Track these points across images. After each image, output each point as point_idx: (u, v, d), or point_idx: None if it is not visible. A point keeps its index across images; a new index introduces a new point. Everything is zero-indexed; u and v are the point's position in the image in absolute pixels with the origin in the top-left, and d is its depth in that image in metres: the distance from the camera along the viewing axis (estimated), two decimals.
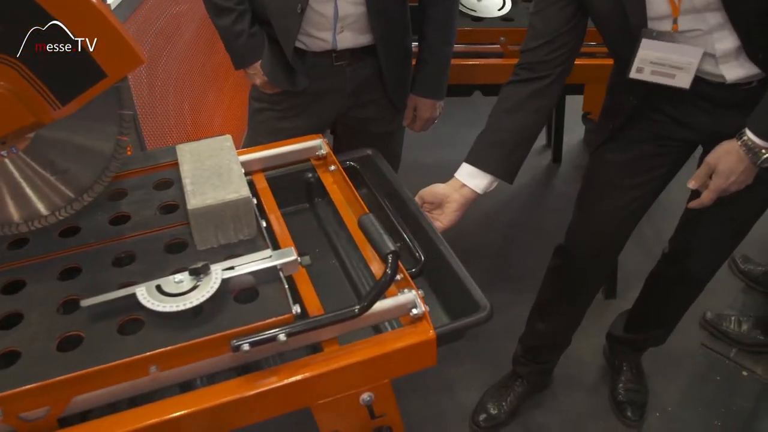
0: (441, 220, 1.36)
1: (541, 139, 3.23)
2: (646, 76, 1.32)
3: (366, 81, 1.66)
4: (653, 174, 1.54)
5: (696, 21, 1.23)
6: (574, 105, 2.54)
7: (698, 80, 1.33)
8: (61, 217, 1.03)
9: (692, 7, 1.21)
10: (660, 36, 1.27)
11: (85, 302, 0.86)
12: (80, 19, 0.87)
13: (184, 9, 2.22)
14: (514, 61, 1.95)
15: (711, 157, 1.30)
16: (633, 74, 1.32)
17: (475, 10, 2.03)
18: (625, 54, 1.33)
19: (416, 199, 1.35)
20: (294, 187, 1.33)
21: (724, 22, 1.22)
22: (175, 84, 2.22)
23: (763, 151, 1.25)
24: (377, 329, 1.04)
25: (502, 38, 1.94)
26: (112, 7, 1.69)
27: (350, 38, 1.58)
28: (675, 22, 1.25)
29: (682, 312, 1.88)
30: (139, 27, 1.88)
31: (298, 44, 1.57)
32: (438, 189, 1.38)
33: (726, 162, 1.27)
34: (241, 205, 0.99)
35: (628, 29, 1.29)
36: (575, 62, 1.94)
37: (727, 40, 1.24)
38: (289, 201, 1.32)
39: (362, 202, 1.17)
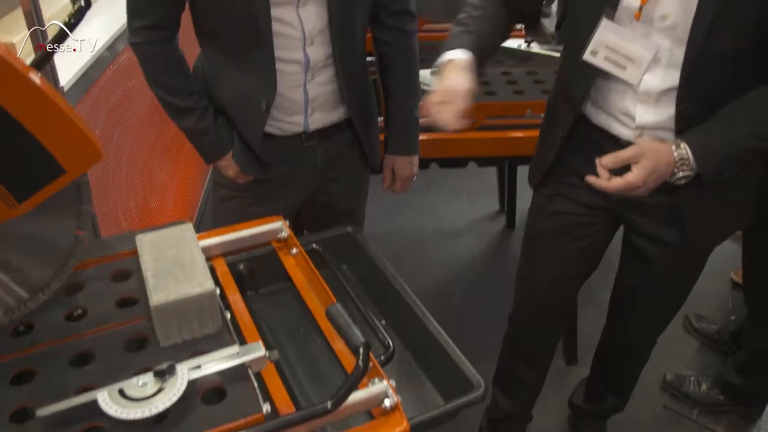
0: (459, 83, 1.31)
1: (495, 205, 3.29)
2: (599, 62, 1.32)
3: (336, 157, 1.66)
4: (583, 243, 1.59)
5: (652, 34, 1.26)
6: (525, 171, 2.60)
7: (607, 138, 1.39)
8: (14, 318, 0.98)
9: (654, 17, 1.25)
10: (622, 21, 1.29)
11: (42, 411, 0.82)
12: (37, 114, 0.85)
13: (137, 84, 2.21)
14: (469, 135, 2.02)
15: (645, 146, 1.29)
16: (587, 56, 1.33)
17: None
18: (583, 35, 1.34)
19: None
20: (272, 266, 1.30)
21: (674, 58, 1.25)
22: (128, 161, 2.19)
23: (684, 170, 1.26)
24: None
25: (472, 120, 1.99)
26: (65, 90, 1.67)
27: (321, 117, 1.59)
28: (639, 10, 1.25)
29: (633, 380, 1.91)
30: (91, 107, 1.86)
31: (268, 129, 1.55)
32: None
33: (655, 159, 1.26)
34: (206, 298, 0.96)
35: (597, 4, 1.31)
36: (529, 134, 2.01)
37: (663, 77, 1.28)
38: (269, 280, 1.31)
39: (326, 287, 1.15)
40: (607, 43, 1.29)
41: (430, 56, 1.43)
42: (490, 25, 1.44)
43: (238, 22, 1.42)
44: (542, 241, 1.64)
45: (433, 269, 2.83)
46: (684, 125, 1.29)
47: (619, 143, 1.39)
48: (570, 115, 1.46)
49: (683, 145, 1.25)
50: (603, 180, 1.30)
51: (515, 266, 2.87)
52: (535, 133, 1.97)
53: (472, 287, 2.79)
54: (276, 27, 1.42)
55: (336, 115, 1.61)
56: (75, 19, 1.02)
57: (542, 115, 1.98)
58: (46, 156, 0.87)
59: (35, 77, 0.83)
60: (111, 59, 2.00)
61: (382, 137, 1.74)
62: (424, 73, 1.99)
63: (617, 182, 1.27)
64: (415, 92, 1.70)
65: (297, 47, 1.47)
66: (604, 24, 1.29)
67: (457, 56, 1.35)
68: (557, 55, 2.32)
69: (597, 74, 1.35)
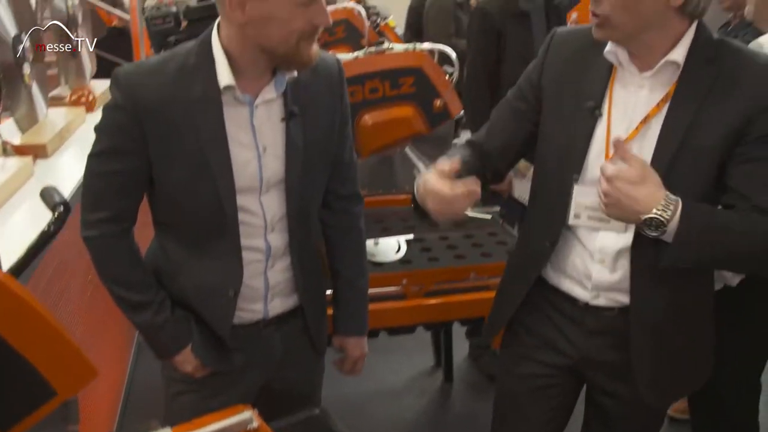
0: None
1: (430, 359, 3.29)
2: (584, 222, 1.41)
3: (292, 343, 1.64)
4: (553, 403, 1.61)
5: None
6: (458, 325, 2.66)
7: (564, 299, 1.48)
8: None
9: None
10: (590, 182, 1.38)
11: None
12: (28, 333, 0.82)
13: (71, 256, 2.14)
14: (417, 302, 2.08)
15: (651, 169, 1.29)
16: (572, 221, 1.41)
17: (374, 255, 2.14)
18: (560, 197, 1.42)
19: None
20: None
21: None
22: None
23: (663, 211, 1.25)
24: None
25: (404, 281, 2.05)
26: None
27: (280, 304, 1.58)
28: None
29: None
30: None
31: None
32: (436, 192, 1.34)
33: (648, 176, 1.26)
34: None
35: (566, 168, 1.41)
36: (474, 297, 2.08)
37: (617, 237, 1.38)
38: None
39: None
40: (586, 205, 1.40)
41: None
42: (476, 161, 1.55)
43: (203, 212, 1.43)
44: (513, 404, 1.65)
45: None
46: (638, 284, 1.38)
47: (576, 304, 1.48)
48: (531, 274, 1.53)
49: (678, 198, 1.28)
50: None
51: (458, 424, 2.85)
52: (481, 295, 2.09)
53: None
54: (240, 215, 1.44)
55: (291, 301, 1.60)
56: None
57: (485, 277, 2.08)
58: (37, 378, 0.83)
59: (28, 297, 0.81)
60: None
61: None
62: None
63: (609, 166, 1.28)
64: (364, 271, 1.73)
65: (259, 235, 1.48)
66: (577, 189, 1.41)
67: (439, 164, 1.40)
68: (489, 217, 2.49)
69: (559, 237, 1.45)
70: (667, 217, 1.25)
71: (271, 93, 1.41)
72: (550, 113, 1.49)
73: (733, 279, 1.87)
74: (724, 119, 1.30)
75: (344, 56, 1.84)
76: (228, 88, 1.36)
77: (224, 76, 1.36)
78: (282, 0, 1.27)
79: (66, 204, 1.12)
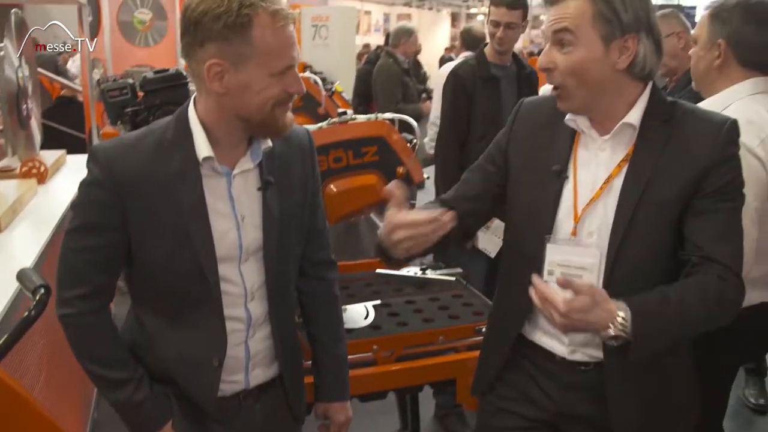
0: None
1: (396, 423, 3.26)
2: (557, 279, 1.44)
3: (273, 412, 1.62)
4: None
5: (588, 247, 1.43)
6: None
7: (542, 354, 1.52)
8: None
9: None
10: (561, 241, 1.46)
11: None
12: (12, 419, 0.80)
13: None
14: (388, 367, 2.08)
15: (598, 289, 1.33)
16: (546, 277, 1.45)
17: (343, 321, 2.14)
18: (533, 255, 1.46)
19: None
20: None
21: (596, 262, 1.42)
22: None
23: (619, 326, 1.29)
24: None
25: (374, 346, 2.05)
26: None
27: (260, 374, 1.57)
28: (575, 227, 1.46)
29: None
30: None
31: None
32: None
33: (596, 302, 1.28)
34: None
35: (537, 230, 1.47)
36: (444, 360, 2.10)
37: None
38: None
39: None
40: (558, 262, 1.46)
41: None
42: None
43: (185, 282, 1.43)
44: None
45: None
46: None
47: (553, 359, 1.53)
48: (512, 333, 1.58)
49: (629, 311, 1.31)
50: (537, 278, 1.33)
51: None
52: (451, 357, 2.11)
53: None
54: (221, 285, 1.45)
55: (271, 371, 1.60)
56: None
57: (454, 340, 2.11)
58: None
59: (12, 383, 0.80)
60: None
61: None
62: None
63: (548, 291, 1.29)
64: (342, 336, 1.75)
65: (240, 304, 1.49)
66: (549, 248, 1.47)
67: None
68: (452, 279, 2.53)
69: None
70: (624, 328, 1.29)
71: (247, 163, 1.46)
72: (518, 178, 1.57)
73: None
74: (681, 173, 1.40)
75: (309, 127, 1.89)
76: (206, 159, 1.39)
77: (202, 148, 1.39)
78: (258, 70, 1.33)
79: (47, 287, 1.11)
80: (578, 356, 1.51)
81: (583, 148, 1.49)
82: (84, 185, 1.42)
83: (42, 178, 3.12)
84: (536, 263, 1.46)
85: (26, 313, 1.08)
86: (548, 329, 1.52)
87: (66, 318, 1.42)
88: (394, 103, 5.43)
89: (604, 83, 1.41)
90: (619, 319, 1.30)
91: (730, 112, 1.85)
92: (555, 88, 1.45)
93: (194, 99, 1.44)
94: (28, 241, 2.36)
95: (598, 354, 1.49)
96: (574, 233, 1.47)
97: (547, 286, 1.32)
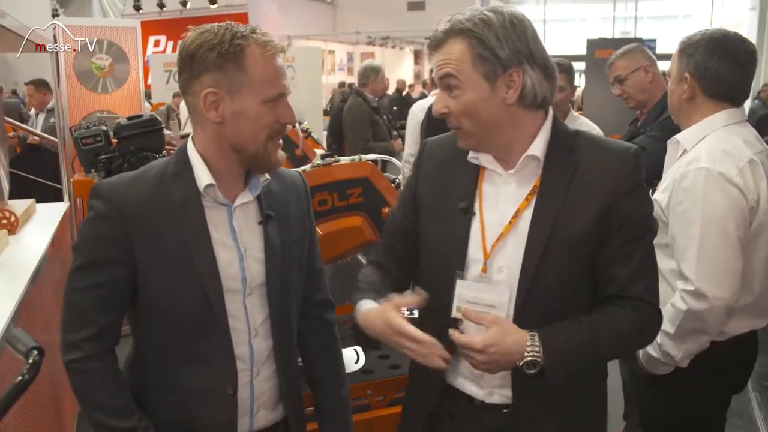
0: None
1: None
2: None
3: None
4: None
5: (498, 284, 1.41)
6: None
7: (461, 397, 1.48)
8: None
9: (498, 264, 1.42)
10: (472, 278, 1.43)
11: None
12: None
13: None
14: (382, 412, 2.04)
15: (502, 320, 1.36)
16: (455, 314, 1.42)
17: None
18: (445, 294, 1.43)
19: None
20: None
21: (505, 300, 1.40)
22: None
23: (532, 354, 1.32)
24: None
25: (368, 391, 2.02)
26: None
27: (265, 416, 1.53)
28: (485, 264, 1.42)
29: None
30: None
31: None
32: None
33: (505, 332, 1.33)
34: None
35: (448, 268, 1.44)
36: None
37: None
38: None
39: None
40: (468, 299, 1.43)
41: None
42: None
43: (191, 314, 1.42)
44: None
45: None
46: (519, 380, 1.40)
47: (473, 403, 1.48)
48: (434, 377, 1.50)
49: (535, 333, 1.34)
50: (454, 331, 1.36)
51: None
52: None
53: None
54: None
55: (276, 414, 1.57)
56: None
57: None
58: None
59: None
60: None
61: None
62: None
63: (462, 337, 1.34)
64: (344, 379, 1.72)
65: (244, 341, 1.47)
66: (459, 284, 1.44)
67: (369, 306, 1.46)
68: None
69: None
70: (537, 352, 1.32)
71: (247, 197, 1.48)
72: (428, 216, 1.54)
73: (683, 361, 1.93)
74: (589, 208, 1.38)
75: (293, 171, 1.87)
76: (208, 188, 1.42)
77: (203, 177, 1.42)
78: (251, 98, 1.37)
79: (41, 349, 1.06)
80: (496, 398, 1.47)
81: (489, 183, 1.47)
82: (87, 222, 1.42)
83: (13, 228, 3.02)
84: (447, 301, 1.44)
85: (19, 378, 1.03)
86: (466, 373, 1.48)
87: (73, 363, 1.38)
88: (364, 142, 5.46)
89: (499, 120, 1.39)
90: (529, 341, 1.33)
91: (705, 144, 1.90)
92: (454, 127, 1.44)
93: (192, 136, 1.48)
94: (2, 295, 2.28)
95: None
96: (484, 270, 1.44)
97: (460, 334, 1.35)
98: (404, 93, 12.07)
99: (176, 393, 1.46)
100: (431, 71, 6.21)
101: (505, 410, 1.46)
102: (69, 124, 4.05)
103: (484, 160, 1.45)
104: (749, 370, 2.07)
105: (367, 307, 1.46)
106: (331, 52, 17.23)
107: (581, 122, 3.49)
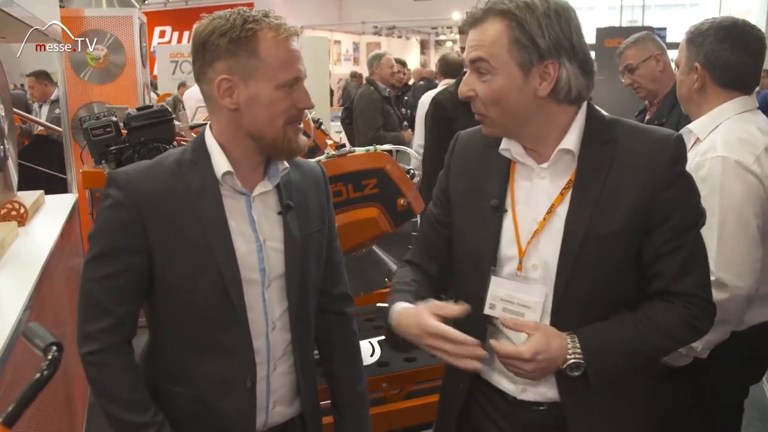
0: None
1: None
2: (498, 313, 1.39)
3: None
4: None
5: (535, 282, 1.37)
6: None
7: (496, 393, 1.45)
8: None
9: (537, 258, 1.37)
10: (507, 275, 1.39)
11: None
12: None
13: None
14: (398, 405, 2.03)
15: (542, 325, 1.34)
16: (487, 310, 1.40)
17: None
18: (477, 292, 1.41)
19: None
20: None
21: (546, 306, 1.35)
22: None
23: (576, 357, 1.31)
24: None
25: (384, 384, 2.00)
26: None
27: (281, 411, 1.51)
28: (521, 262, 1.38)
29: None
30: None
31: None
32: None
33: (548, 338, 1.30)
34: None
35: (480, 266, 1.41)
36: None
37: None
38: None
39: None
40: (501, 297, 1.40)
41: None
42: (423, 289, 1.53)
43: (209, 304, 1.40)
44: None
45: None
46: (563, 377, 1.36)
47: (506, 398, 1.45)
48: (467, 373, 1.45)
49: (575, 335, 1.33)
50: (497, 342, 1.34)
51: None
52: None
53: None
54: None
55: (292, 409, 1.55)
56: None
57: None
58: None
59: None
60: None
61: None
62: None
63: (509, 348, 1.32)
64: (362, 374, 1.70)
65: (261, 334, 1.45)
66: (493, 280, 1.40)
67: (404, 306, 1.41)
68: None
69: (486, 331, 1.43)
70: (580, 356, 1.30)
71: (266, 186, 1.46)
72: (460, 213, 1.50)
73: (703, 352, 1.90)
74: (627, 202, 1.32)
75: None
76: (227, 175, 1.40)
77: (221, 164, 1.41)
78: (265, 83, 1.35)
79: (60, 345, 1.04)
80: (529, 395, 1.43)
81: (521, 178, 1.42)
82: (103, 210, 1.41)
83: (23, 220, 3.01)
84: (480, 298, 1.41)
85: (38, 374, 1.00)
86: (499, 367, 1.42)
87: (90, 356, 1.38)
88: (374, 130, 5.43)
89: (527, 111, 1.34)
90: (570, 343, 1.31)
91: (719, 133, 1.87)
92: (478, 113, 1.39)
93: (209, 125, 1.46)
94: (14, 287, 2.27)
95: (549, 393, 1.41)
96: (520, 268, 1.39)
97: (504, 344, 1.33)
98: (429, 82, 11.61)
99: (194, 385, 1.44)
100: (438, 62, 6.11)
101: (536, 407, 1.43)
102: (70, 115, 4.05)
103: (516, 153, 1.40)
104: (767, 360, 2.05)
105: (401, 307, 1.42)
106: (337, 42, 17.17)
107: None
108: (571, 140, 1.36)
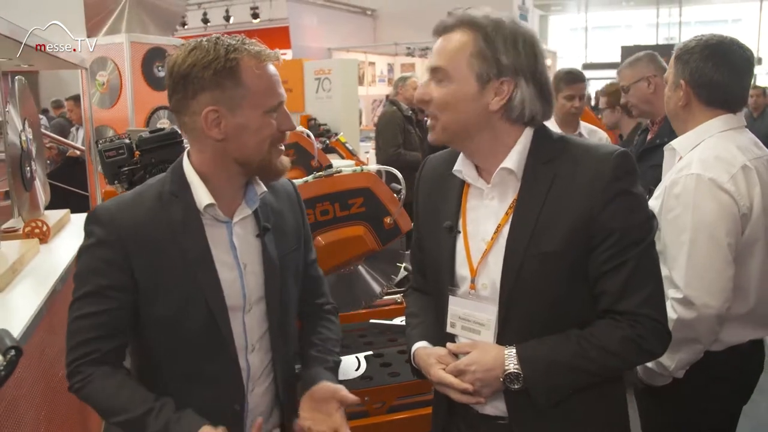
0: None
1: None
2: (458, 331, 1.46)
3: None
4: None
5: (487, 301, 1.42)
6: None
7: (462, 407, 1.48)
8: None
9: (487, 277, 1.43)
10: (462, 294, 1.45)
11: None
12: None
13: (23, 392, 2.08)
14: (380, 419, 2.07)
15: (480, 342, 1.42)
16: (449, 329, 1.47)
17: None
18: (443, 309, 1.49)
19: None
20: None
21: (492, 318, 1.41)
22: None
23: (511, 368, 1.35)
24: None
25: (366, 398, 2.04)
26: None
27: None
28: (473, 281, 1.43)
29: None
30: None
31: None
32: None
33: (484, 352, 1.39)
34: None
35: (440, 286, 1.49)
36: None
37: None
38: None
39: None
40: (459, 315, 1.46)
41: None
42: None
43: (195, 334, 1.42)
44: None
45: None
46: (507, 392, 1.41)
47: (470, 412, 1.50)
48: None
49: (513, 347, 1.37)
50: (440, 372, 1.44)
51: None
52: None
53: None
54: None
55: (271, 423, 1.59)
56: None
57: None
58: None
59: None
60: None
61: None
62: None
63: (447, 369, 1.42)
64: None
65: (241, 357, 1.48)
66: (451, 300, 1.47)
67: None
68: None
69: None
70: (516, 366, 1.35)
71: (245, 211, 1.48)
72: (425, 234, 1.57)
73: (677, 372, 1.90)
74: (566, 222, 1.34)
75: (295, 181, 1.92)
76: (208, 207, 1.42)
77: (203, 197, 1.42)
78: (252, 111, 1.38)
79: (18, 348, 1.12)
80: (489, 410, 1.47)
81: (473, 198, 1.47)
82: (85, 249, 1.43)
83: (45, 237, 3.17)
84: (443, 316, 1.49)
85: None
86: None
87: (76, 384, 1.41)
88: (394, 148, 5.50)
89: (477, 122, 1.38)
90: (507, 353, 1.36)
91: (698, 150, 1.88)
92: (431, 117, 1.44)
93: (187, 153, 1.47)
94: (25, 300, 2.39)
95: (501, 407, 1.45)
96: (473, 287, 1.44)
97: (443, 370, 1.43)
98: None
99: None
100: None
101: (500, 422, 1.46)
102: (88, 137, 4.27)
103: (468, 173, 1.45)
104: (753, 381, 2.02)
105: (416, 348, 1.53)
106: (372, 63, 17.34)
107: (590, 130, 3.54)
108: (513, 160, 1.40)
